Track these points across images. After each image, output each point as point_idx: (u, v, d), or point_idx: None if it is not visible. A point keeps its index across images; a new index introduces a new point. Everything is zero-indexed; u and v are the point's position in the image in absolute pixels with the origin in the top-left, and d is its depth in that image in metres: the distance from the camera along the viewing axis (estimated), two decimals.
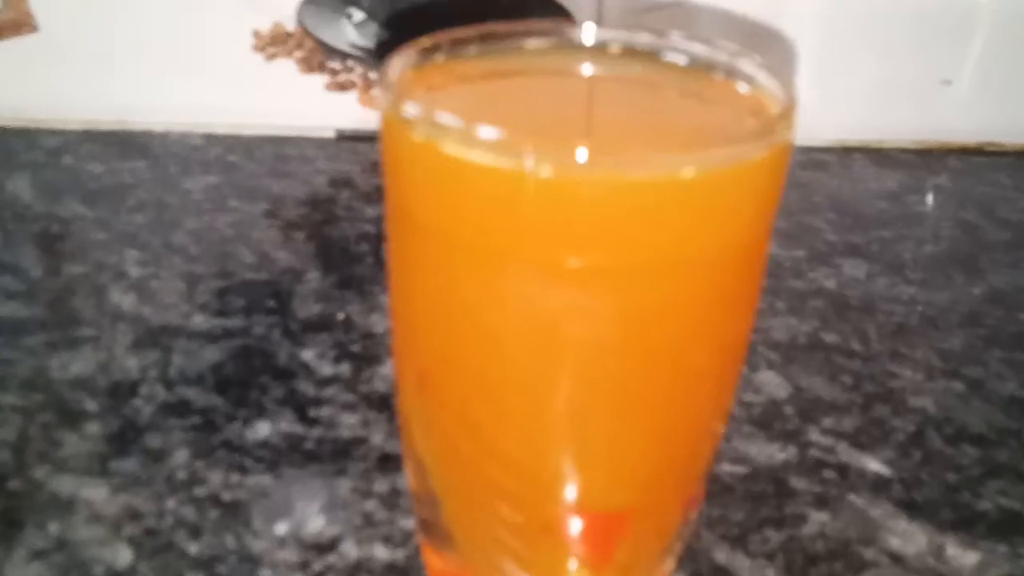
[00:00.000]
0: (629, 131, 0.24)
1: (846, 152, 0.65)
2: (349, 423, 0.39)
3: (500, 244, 0.23)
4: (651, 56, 0.28)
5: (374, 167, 0.60)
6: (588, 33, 0.28)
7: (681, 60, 0.27)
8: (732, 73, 0.27)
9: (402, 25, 0.57)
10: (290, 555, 0.33)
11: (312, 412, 0.39)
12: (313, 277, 0.48)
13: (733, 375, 0.27)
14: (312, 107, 0.62)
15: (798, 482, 0.37)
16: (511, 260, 0.23)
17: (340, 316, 0.45)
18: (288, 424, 0.38)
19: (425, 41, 0.27)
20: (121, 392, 0.40)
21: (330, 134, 0.64)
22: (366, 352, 0.43)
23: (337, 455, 0.37)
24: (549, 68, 0.28)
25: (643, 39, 0.28)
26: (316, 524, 0.34)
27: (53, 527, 0.33)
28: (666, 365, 0.24)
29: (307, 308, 0.46)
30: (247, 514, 0.34)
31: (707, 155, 0.21)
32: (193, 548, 0.33)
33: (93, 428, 0.38)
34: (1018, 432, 0.40)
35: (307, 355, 0.42)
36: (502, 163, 0.21)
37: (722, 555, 0.33)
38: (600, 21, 0.56)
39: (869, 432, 0.40)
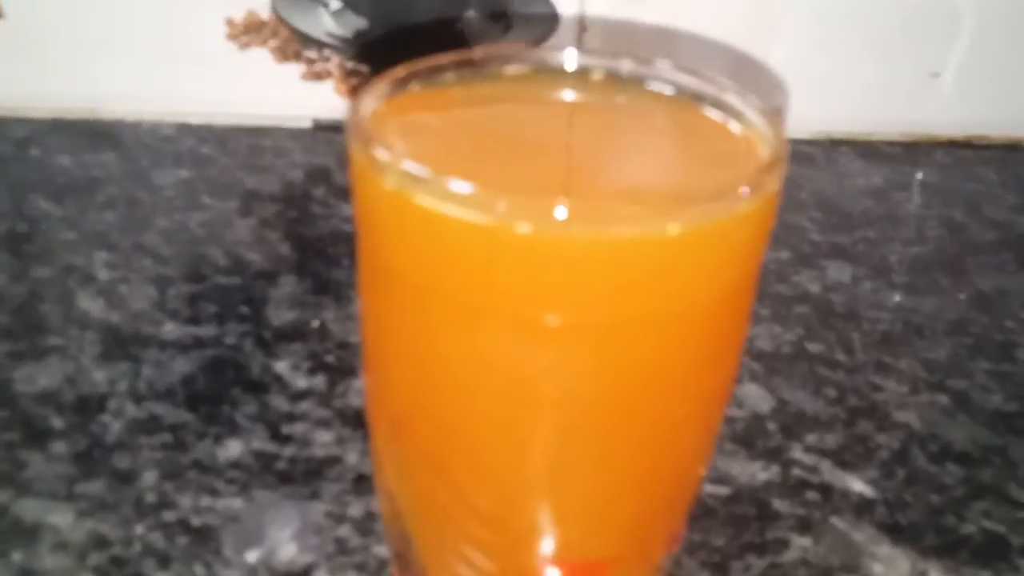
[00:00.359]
0: (611, 177, 0.23)
1: (832, 145, 0.64)
2: (323, 441, 0.38)
3: (476, 299, 0.22)
4: (635, 85, 0.27)
5: None
6: (570, 59, 0.27)
7: (667, 90, 0.26)
8: (719, 105, 0.26)
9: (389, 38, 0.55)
10: None
11: (285, 429, 0.38)
12: (288, 281, 0.47)
13: (717, 419, 0.26)
14: (288, 97, 0.61)
15: (780, 504, 0.36)
16: (487, 315, 0.22)
17: (315, 324, 0.44)
18: (260, 442, 0.37)
19: (400, 71, 0.25)
20: (89, 407, 0.39)
21: (306, 124, 0.62)
22: (341, 363, 0.42)
23: (310, 476, 0.36)
24: (528, 99, 0.26)
25: (627, 67, 0.27)
26: (288, 551, 0.33)
27: (17, 556, 0.32)
28: (648, 418, 0.23)
29: (281, 315, 0.45)
30: (217, 541, 0.33)
31: (693, 211, 0.21)
32: None
33: (59, 447, 0.37)
34: (1002, 449, 0.40)
35: (280, 366, 0.41)
36: (477, 218, 0.20)
37: None
38: (583, 19, 0.54)
39: (852, 449, 0.39)
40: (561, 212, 0.20)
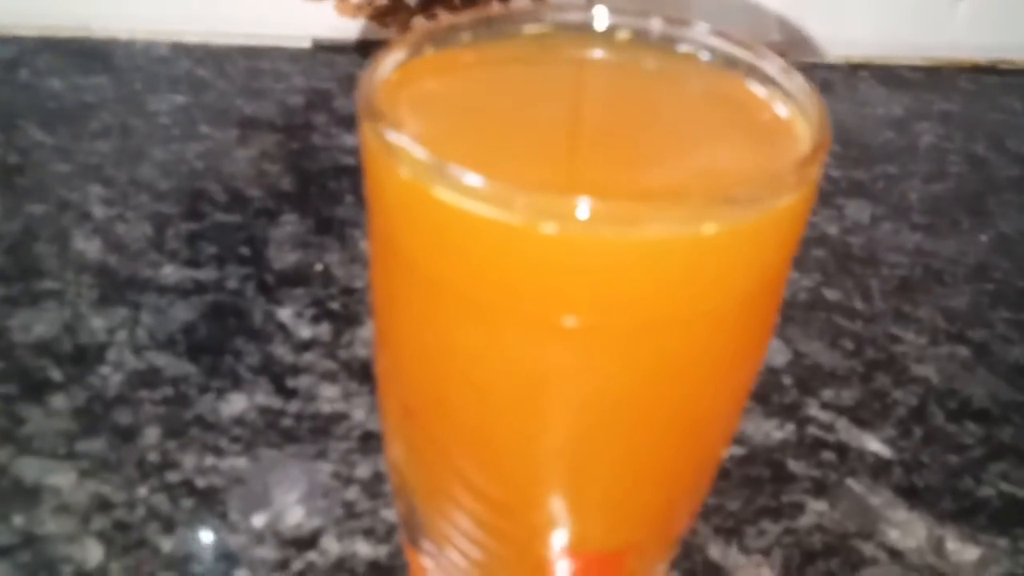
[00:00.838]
0: (640, 160, 0.22)
1: (852, 70, 0.62)
2: (329, 396, 0.37)
3: (491, 296, 0.20)
4: (665, 48, 0.25)
5: (351, 81, 0.56)
6: (595, 18, 0.25)
7: (699, 54, 0.25)
8: (754, 74, 0.24)
9: None
10: (268, 552, 0.31)
11: (290, 382, 0.37)
12: (289, 219, 0.46)
13: (741, 406, 0.25)
14: (286, 15, 0.58)
15: (796, 465, 0.35)
16: (503, 313, 0.20)
17: (318, 267, 0.43)
18: (265, 396, 0.37)
19: (413, 35, 0.24)
20: (88, 358, 0.37)
21: (306, 44, 0.60)
22: (346, 310, 0.41)
23: (316, 433, 0.35)
24: (550, 66, 0.25)
25: (657, 28, 0.25)
26: (295, 516, 0.32)
27: (18, 520, 0.32)
28: (671, 415, 0.22)
29: (283, 257, 0.43)
30: (223, 504, 0.33)
31: (731, 210, 0.19)
32: (166, 545, 0.31)
33: (58, 402, 0.36)
34: (1022, 406, 0.39)
35: (284, 314, 0.40)
36: (495, 215, 0.19)
37: (717, 551, 0.32)
38: None
39: (870, 406, 0.38)
40: (585, 212, 0.18)
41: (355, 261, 0.43)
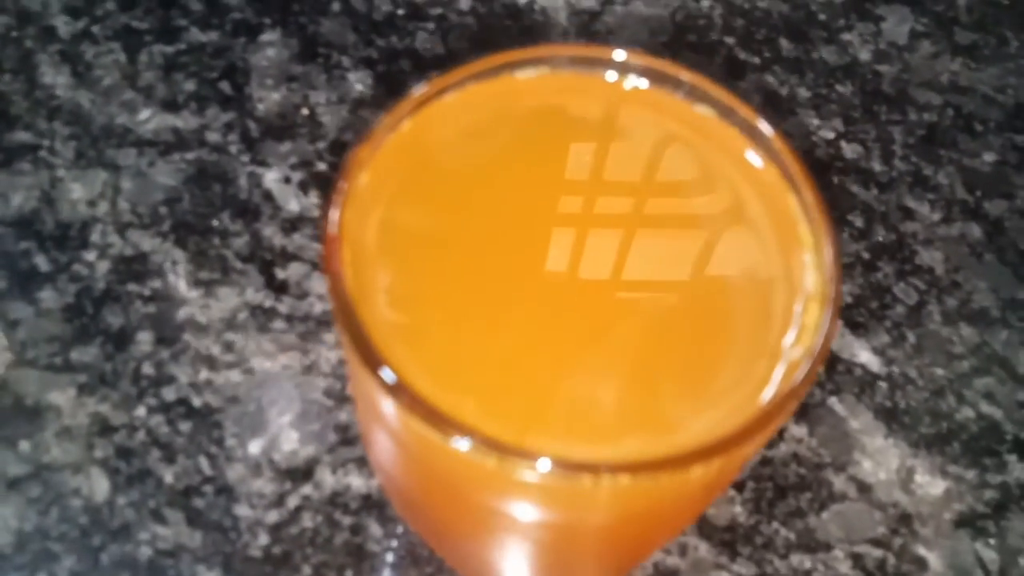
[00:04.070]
0: (617, 380, 0.20)
1: None
2: (319, 291, 0.36)
3: (457, 486, 0.20)
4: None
5: None
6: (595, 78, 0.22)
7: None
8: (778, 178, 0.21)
9: None
10: (265, 485, 0.33)
11: (280, 272, 0.37)
12: (271, 39, 0.42)
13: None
14: None
15: None
16: (465, 497, 0.20)
17: (304, 111, 0.40)
18: (255, 292, 0.36)
19: (388, 119, 0.21)
20: (72, 240, 0.37)
21: None
22: (334, 172, 0.39)
23: (308, 339, 0.35)
24: (532, 173, 0.22)
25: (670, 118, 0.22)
26: (290, 441, 0.34)
27: (24, 445, 0.33)
28: (639, 542, 0.23)
29: (267, 97, 0.40)
30: (220, 428, 0.34)
31: (716, 455, 0.18)
32: (168, 475, 0.33)
33: (49, 298, 0.35)
34: (1021, 305, 0.38)
35: (270, 179, 0.38)
36: (462, 451, 0.18)
37: None
38: None
39: (867, 305, 0.38)
40: (545, 468, 0.18)
41: (343, 101, 0.40)
